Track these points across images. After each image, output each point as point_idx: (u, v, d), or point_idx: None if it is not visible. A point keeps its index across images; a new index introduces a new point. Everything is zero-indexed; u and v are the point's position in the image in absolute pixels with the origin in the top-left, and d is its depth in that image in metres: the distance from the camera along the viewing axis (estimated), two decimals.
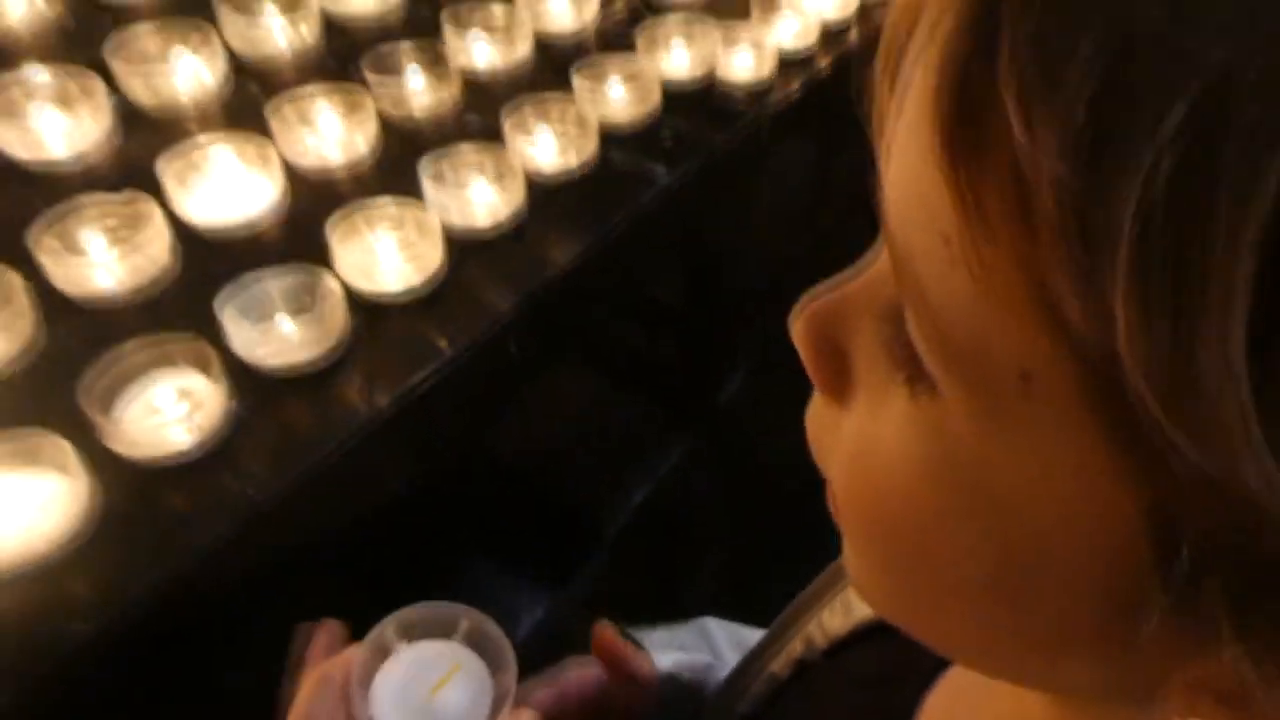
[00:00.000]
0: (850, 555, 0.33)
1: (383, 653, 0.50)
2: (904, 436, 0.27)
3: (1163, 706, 0.26)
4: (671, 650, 0.68)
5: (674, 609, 1.25)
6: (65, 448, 0.53)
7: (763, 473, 1.20)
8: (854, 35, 1.09)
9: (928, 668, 0.44)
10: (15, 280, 0.58)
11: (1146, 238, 0.18)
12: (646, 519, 1.01)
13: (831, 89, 1.06)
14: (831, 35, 1.06)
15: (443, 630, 0.51)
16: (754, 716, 0.58)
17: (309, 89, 0.74)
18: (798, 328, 0.32)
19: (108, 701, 0.56)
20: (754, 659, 0.60)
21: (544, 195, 0.78)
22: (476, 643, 0.51)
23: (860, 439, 0.30)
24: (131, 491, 0.56)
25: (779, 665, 0.57)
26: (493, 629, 0.51)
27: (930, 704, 0.44)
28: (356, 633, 0.53)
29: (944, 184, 0.22)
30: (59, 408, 0.56)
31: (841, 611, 0.54)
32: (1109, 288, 0.19)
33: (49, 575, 0.53)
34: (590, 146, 0.79)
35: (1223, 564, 0.21)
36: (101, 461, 0.55)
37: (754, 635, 0.71)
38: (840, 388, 0.31)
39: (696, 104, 0.91)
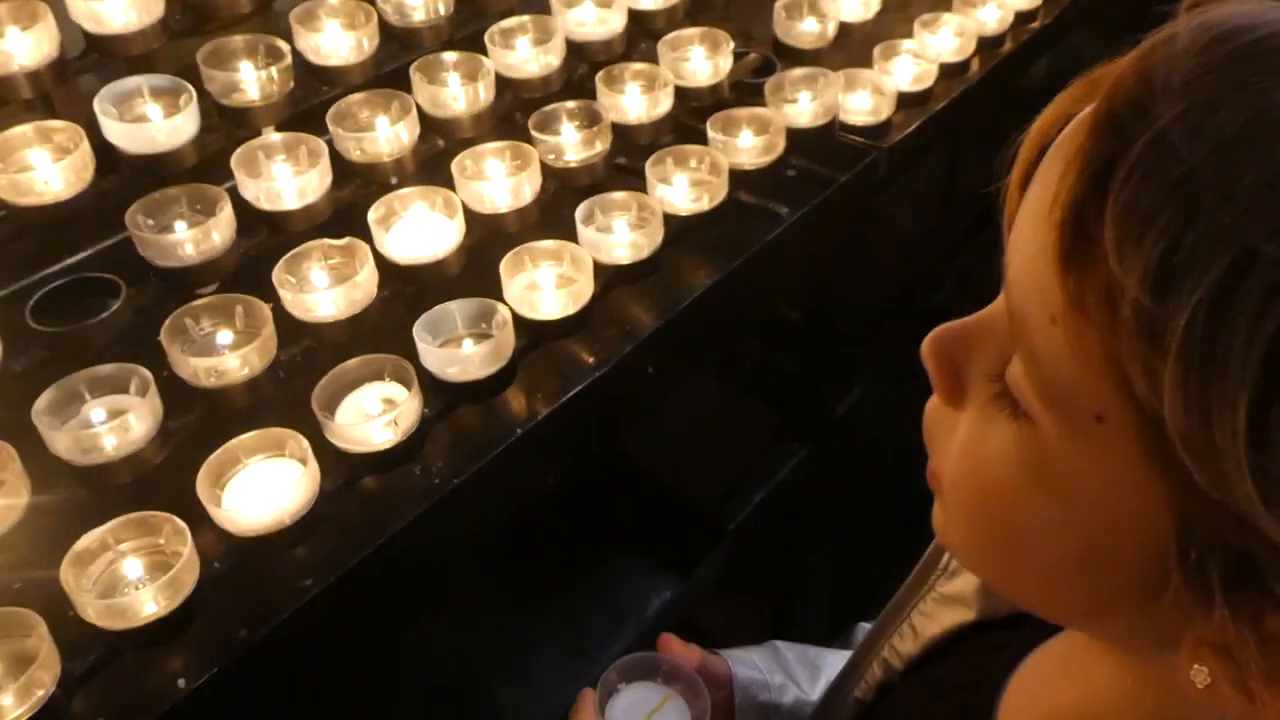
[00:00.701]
0: (944, 520, 0.42)
1: (609, 692, 0.73)
2: (1006, 445, 0.36)
3: (1174, 656, 0.35)
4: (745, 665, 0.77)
5: (785, 596, 1.35)
6: (304, 442, 0.68)
7: (874, 480, 1.30)
8: (972, 71, 1.17)
9: (998, 672, 0.53)
10: (265, 310, 0.73)
11: (1188, 346, 0.28)
12: (765, 517, 1.12)
13: (949, 125, 1.15)
14: (950, 71, 1.15)
15: (648, 673, 0.74)
16: None
17: (485, 146, 0.88)
18: (928, 343, 0.41)
19: (322, 648, 0.71)
20: (837, 690, 0.69)
21: (681, 233, 0.90)
22: (674, 680, 0.73)
23: (970, 440, 0.39)
24: (346, 478, 0.71)
25: (862, 691, 0.66)
26: (686, 670, 0.73)
27: (1006, 704, 0.52)
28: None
29: (1056, 280, 0.31)
30: (298, 411, 0.71)
31: (911, 635, 0.63)
32: (1161, 371, 0.29)
33: (287, 542, 0.68)
34: (721, 190, 0.91)
35: (1222, 553, 0.31)
36: (326, 453, 0.71)
37: (821, 655, 0.80)
38: (955, 397, 0.40)
39: (819, 144, 1.02)
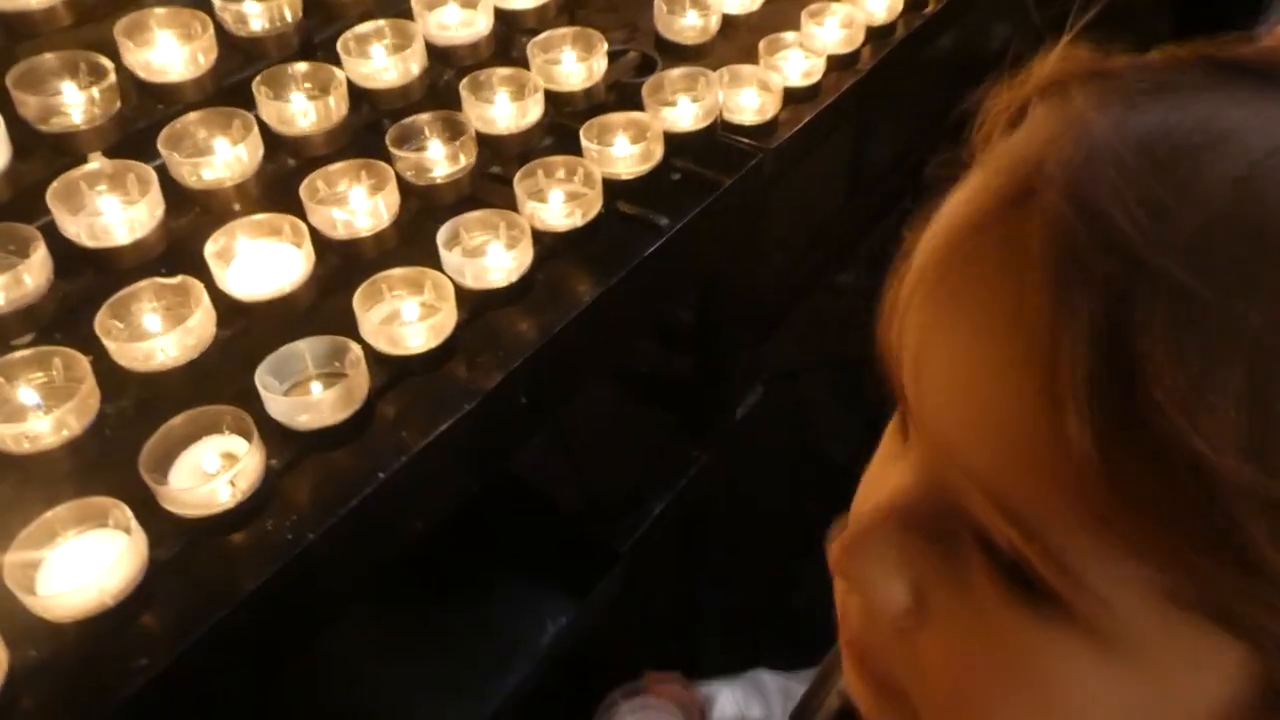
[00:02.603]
0: None
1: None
2: (1025, 648, 0.30)
3: None
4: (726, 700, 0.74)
5: (689, 618, 1.31)
6: (126, 511, 0.62)
7: (777, 485, 1.27)
8: (863, 61, 1.13)
9: None
10: (82, 361, 0.67)
11: None
12: (663, 530, 1.08)
13: (840, 119, 1.11)
14: (840, 63, 1.11)
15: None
16: None
17: (337, 166, 0.81)
18: (847, 563, 0.34)
19: None
20: (798, 717, 0.65)
21: (556, 250, 0.85)
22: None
23: (964, 655, 0.32)
24: (183, 544, 0.65)
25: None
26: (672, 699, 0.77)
27: None
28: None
29: (1094, 479, 0.26)
30: (122, 473, 0.65)
31: None
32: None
33: (117, 619, 0.62)
34: (596, 203, 0.86)
35: None
36: (158, 520, 0.64)
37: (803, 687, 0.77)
38: (910, 610, 0.33)
39: (703, 146, 0.97)
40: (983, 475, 0.30)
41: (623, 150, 0.90)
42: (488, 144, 0.89)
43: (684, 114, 0.95)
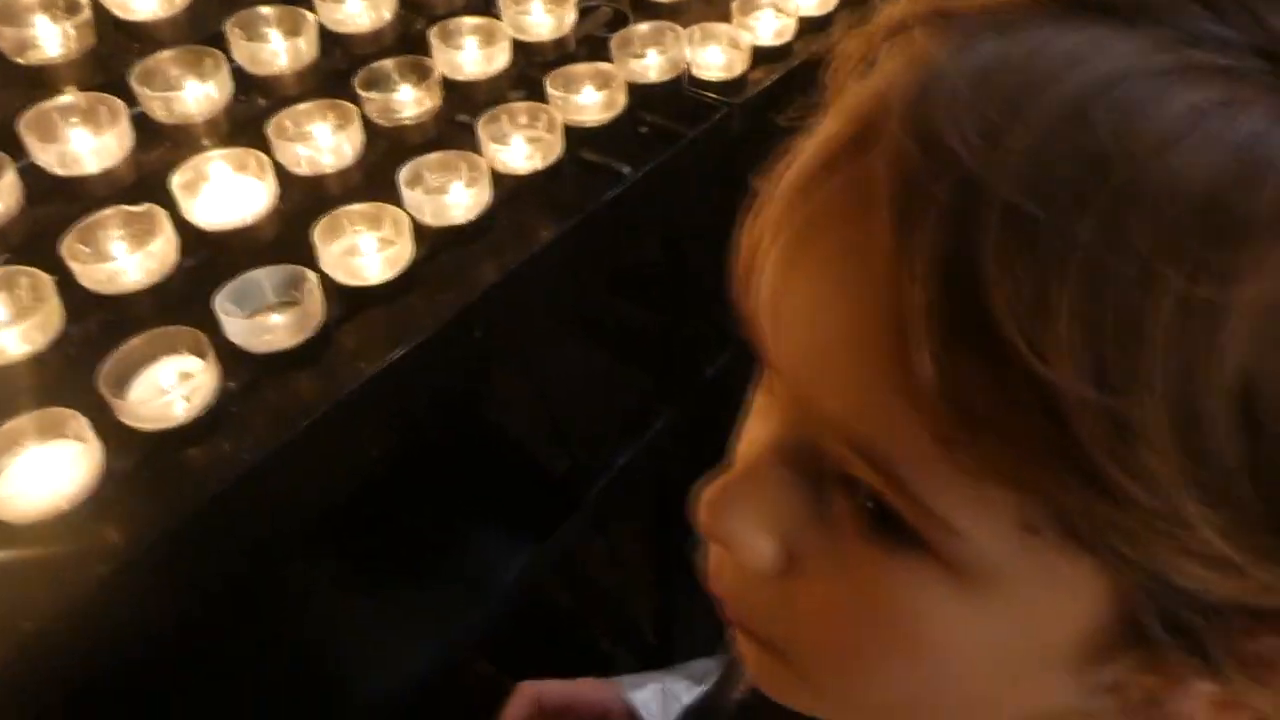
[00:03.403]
0: (809, 692, 0.36)
1: None
2: (896, 587, 0.31)
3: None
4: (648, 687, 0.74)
5: (650, 567, 1.34)
6: (84, 422, 0.65)
7: None
8: (834, 26, 1.15)
9: None
10: (47, 281, 0.69)
11: (1169, 424, 0.25)
12: (627, 483, 1.10)
13: (809, 80, 1.12)
14: (812, 25, 1.12)
15: None
16: None
17: (304, 105, 0.84)
18: (713, 520, 0.34)
19: (122, 637, 0.68)
20: (719, 690, 0.65)
21: (517, 193, 0.87)
22: None
23: (839, 602, 0.33)
24: (140, 457, 0.68)
25: (741, 691, 0.61)
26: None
27: None
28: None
29: (939, 406, 0.26)
30: (83, 389, 0.68)
31: None
32: (1133, 460, 0.25)
33: (74, 527, 0.64)
34: (557, 148, 0.88)
35: (1211, 613, 0.28)
36: (117, 433, 0.67)
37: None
38: (781, 562, 0.33)
39: (670, 100, 0.99)
40: (838, 415, 0.30)
41: (587, 99, 0.92)
42: (455, 90, 0.92)
43: (650, 66, 0.97)
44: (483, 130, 0.87)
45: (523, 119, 0.89)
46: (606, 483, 1.08)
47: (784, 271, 0.31)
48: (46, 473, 0.64)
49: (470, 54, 0.92)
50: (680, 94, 1.00)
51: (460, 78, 0.92)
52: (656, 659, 1.09)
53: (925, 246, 0.26)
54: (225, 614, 0.84)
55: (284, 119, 0.84)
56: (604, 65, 0.95)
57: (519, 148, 0.88)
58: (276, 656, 0.99)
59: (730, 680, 0.64)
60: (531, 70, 0.97)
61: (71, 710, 0.69)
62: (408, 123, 0.87)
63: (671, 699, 0.72)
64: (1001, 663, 0.32)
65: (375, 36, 0.92)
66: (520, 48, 0.95)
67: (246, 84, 0.86)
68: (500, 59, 0.92)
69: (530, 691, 0.73)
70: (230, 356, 0.72)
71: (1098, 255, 0.25)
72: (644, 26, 1.00)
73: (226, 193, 0.79)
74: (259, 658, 0.97)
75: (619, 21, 1.06)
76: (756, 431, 0.35)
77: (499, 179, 0.86)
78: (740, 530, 0.33)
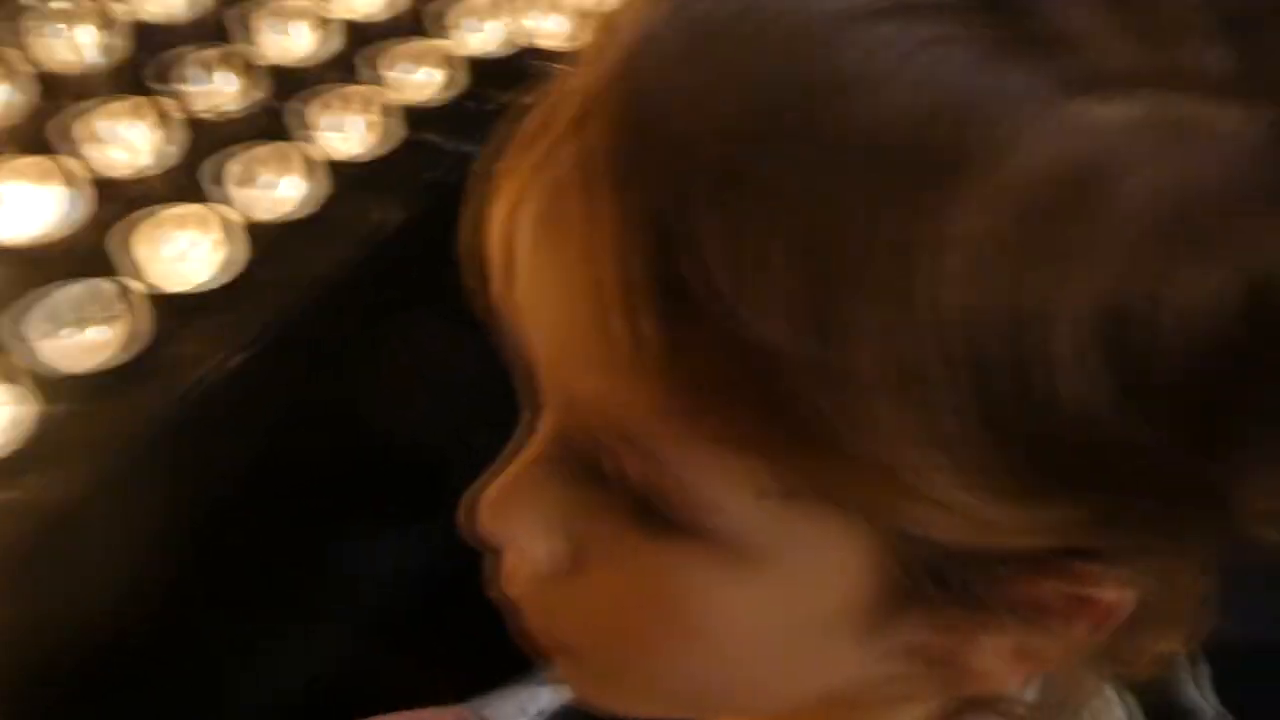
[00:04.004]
0: (597, 686, 0.37)
1: None
2: (664, 573, 0.31)
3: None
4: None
5: None
6: None
7: None
8: None
9: None
10: None
11: (882, 370, 0.25)
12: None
13: None
14: None
15: None
16: None
17: (103, 104, 0.78)
18: (488, 523, 0.33)
19: None
20: None
21: (355, 182, 0.83)
22: None
23: (614, 595, 0.33)
24: None
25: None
26: None
27: None
28: None
29: (660, 380, 0.26)
30: None
31: None
32: (854, 408, 0.25)
33: None
34: (397, 132, 0.84)
35: (971, 565, 0.28)
36: None
37: None
38: (558, 561, 0.33)
39: (512, 74, 0.96)
40: (587, 398, 0.30)
41: (425, 77, 0.88)
42: (281, 76, 0.86)
43: (489, 39, 0.94)
44: (314, 117, 0.82)
45: (356, 103, 0.84)
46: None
47: (531, 254, 0.30)
48: None
49: (297, 37, 0.87)
50: (524, 68, 0.97)
51: (286, 63, 0.87)
52: None
53: (640, 213, 0.26)
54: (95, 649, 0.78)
55: (91, 119, 0.77)
56: (440, 41, 0.91)
57: (355, 134, 0.84)
58: (147, 688, 0.93)
59: None
60: (363, 50, 0.92)
61: None
62: (231, 115, 0.82)
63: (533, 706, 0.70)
64: (784, 637, 0.32)
65: (191, 24, 0.86)
66: (350, 27, 0.90)
67: (50, 84, 0.80)
68: (330, 40, 0.88)
69: None
70: (48, 382, 0.67)
71: (806, 205, 0.24)
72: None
73: (30, 203, 0.73)
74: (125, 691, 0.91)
75: None
76: (532, 431, 0.34)
77: (335, 168, 0.82)
78: (522, 532, 0.33)
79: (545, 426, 0.33)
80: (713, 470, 0.28)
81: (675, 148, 0.26)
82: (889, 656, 0.33)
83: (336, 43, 0.88)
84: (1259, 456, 0.29)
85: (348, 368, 0.87)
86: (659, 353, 0.26)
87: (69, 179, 0.73)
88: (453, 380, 1.18)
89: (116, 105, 0.78)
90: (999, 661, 0.32)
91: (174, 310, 0.73)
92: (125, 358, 0.68)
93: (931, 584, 0.29)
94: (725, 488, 0.28)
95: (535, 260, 0.30)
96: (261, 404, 0.77)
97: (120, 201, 0.76)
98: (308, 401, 0.85)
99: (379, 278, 0.82)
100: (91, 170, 0.75)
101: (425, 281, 0.97)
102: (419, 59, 0.89)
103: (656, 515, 0.30)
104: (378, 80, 0.87)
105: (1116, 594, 0.30)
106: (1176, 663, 0.45)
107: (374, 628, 1.00)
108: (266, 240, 0.77)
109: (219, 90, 0.82)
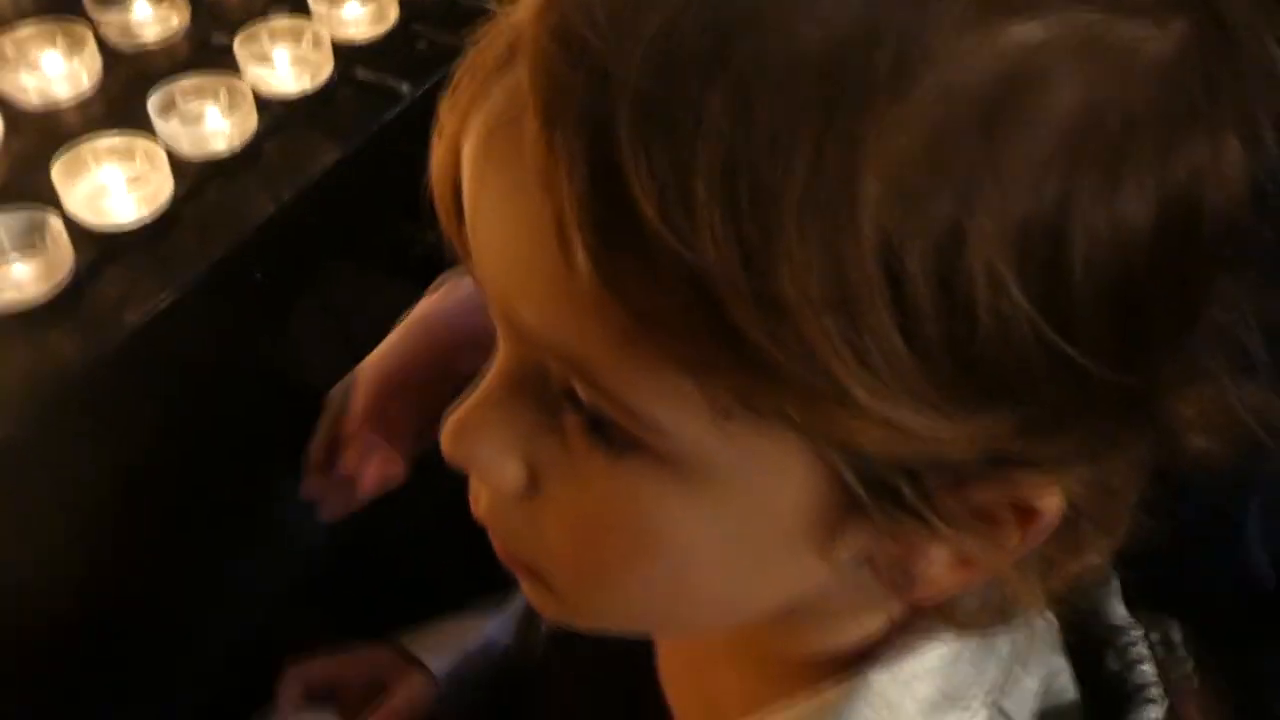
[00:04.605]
0: (569, 607, 0.37)
1: None
2: (623, 490, 0.31)
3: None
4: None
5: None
6: None
7: None
8: None
9: None
10: None
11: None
12: None
13: None
14: None
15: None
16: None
17: (27, 30, 0.74)
18: (455, 448, 0.34)
19: None
20: (527, 623, 0.65)
21: (286, 119, 0.81)
22: None
23: (579, 515, 0.33)
24: None
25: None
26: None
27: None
28: None
29: (610, 302, 0.27)
30: None
31: None
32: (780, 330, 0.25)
33: None
34: (326, 67, 0.82)
35: (904, 475, 0.29)
36: None
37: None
38: (524, 484, 0.34)
39: (447, 12, 0.94)
40: (534, 326, 0.30)
41: (353, 11, 0.86)
42: (206, 8, 0.84)
43: None
44: (241, 49, 0.80)
45: (285, 37, 0.82)
46: None
47: (474, 190, 0.31)
48: None
49: None
50: (456, 5, 0.95)
51: None
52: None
53: (569, 143, 0.26)
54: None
55: (3, 44, 0.74)
56: None
57: (284, 68, 0.81)
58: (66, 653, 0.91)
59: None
60: None
61: None
62: (152, 45, 0.79)
63: (473, 637, 0.71)
64: (740, 552, 0.33)
65: None
66: None
67: None
68: None
69: (295, 674, 0.70)
70: None
71: (728, 131, 0.25)
72: None
73: None
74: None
75: None
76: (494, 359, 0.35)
77: (264, 104, 0.80)
78: (485, 455, 0.34)
79: (502, 355, 0.33)
80: (657, 393, 0.28)
81: (596, 80, 0.26)
82: (848, 566, 0.34)
83: None
84: (1177, 366, 0.30)
85: (276, 312, 0.85)
86: (595, 282, 0.26)
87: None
88: (383, 325, 1.16)
89: (40, 29, 0.75)
90: (943, 569, 0.33)
91: (97, 247, 0.70)
92: (45, 294, 0.66)
93: (876, 495, 0.30)
94: (671, 409, 0.29)
95: (477, 195, 0.31)
96: (188, 348, 0.75)
97: (43, 132, 0.73)
98: (234, 346, 0.84)
99: (312, 219, 0.80)
100: (6, 97, 0.72)
101: (357, 224, 0.96)
102: None
103: (612, 438, 0.31)
104: (308, 15, 0.85)
105: (1049, 501, 0.31)
106: (1098, 579, 0.47)
107: (300, 579, 0.99)
108: (193, 177, 0.75)
109: (148, 20, 0.79)
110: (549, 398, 0.32)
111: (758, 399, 0.27)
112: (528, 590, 0.38)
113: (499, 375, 0.33)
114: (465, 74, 0.32)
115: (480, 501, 0.36)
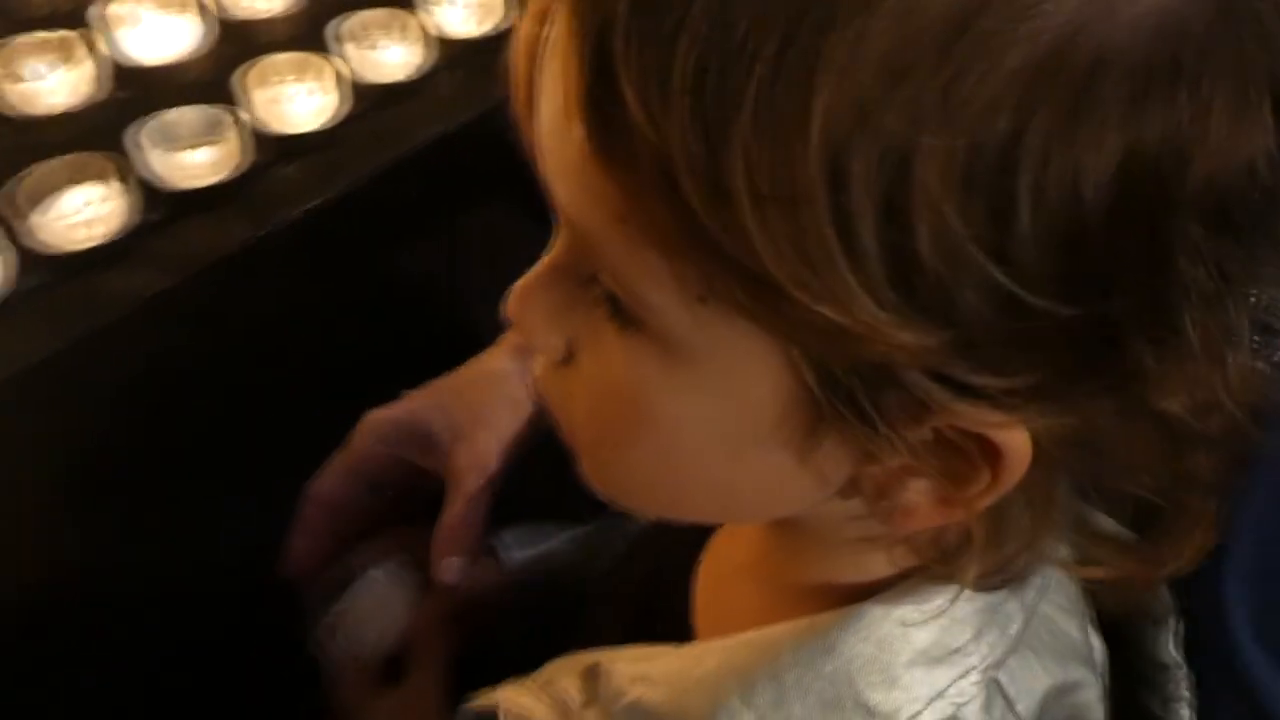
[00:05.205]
0: (595, 473, 0.40)
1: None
2: (629, 365, 0.35)
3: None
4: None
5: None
6: None
7: None
8: None
9: None
10: None
11: (752, 179, 0.27)
12: None
13: None
14: None
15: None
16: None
17: None
18: (513, 310, 0.38)
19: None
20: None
21: (461, 58, 0.86)
22: None
23: (595, 385, 0.37)
24: (49, 278, 0.67)
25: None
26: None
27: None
28: None
29: (607, 183, 0.30)
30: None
31: None
32: (743, 220, 0.27)
33: None
34: (497, 12, 0.87)
35: (860, 377, 0.31)
36: (24, 253, 0.66)
37: None
38: (563, 351, 0.38)
39: None
40: (561, 201, 0.33)
41: None
42: None
43: None
44: None
45: None
46: None
47: (538, 72, 0.34)
48: None
49: None
50: None
51: None
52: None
53: (580, 30, 0.29)
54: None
55: None
56: None
57: (458, 10, 0.87)
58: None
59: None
60: None
61: None
62: None
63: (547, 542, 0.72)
64: (719, 438, 0.35)
65: None
66: None
67: None
68: None
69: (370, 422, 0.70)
70: (148, 191, 0.71)
71: (704, 34, 0.27)
72: None
73: (158, 30, 0.78)
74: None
75: None
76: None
77: (444, 44, 0.85)
78: (530, 320, 0.38)
79: (559, 230, 0.37)
80: (644, 272, 0.31)
81: None
82: (830, 483, 0.36)
83: None
84: (1141, 314, 0.29)
85: (419, 241, 0.90)
86: (591, 159, 0.30)
87: (194, 11, 0.78)
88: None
89: None
90: (924, 499, 0.34)
91: (274, 147, 0.77)
92: (223, 178, 0.73)
93: (832, 396, 0.31)
94: (656, 288, 0.31)
95: (538, 76, 0.34)
96: (338, 251, 0.80)
97: (238, 41, 0.81)
98: (383, 257, 0.88)
99: (473, 152, 0.84)
100: (219, 6, 0.80)
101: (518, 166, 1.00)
102: None
103: (623, 314, 0.34)
104: None
105: (1012, 439, 0.32)
106: (1155, 617, 0.46)
107: None
108: (367, 99, 0.81)
109: None
110: (584, 274, 0.35)
111: (714, 284, 0.30)
112: (579, 464, 0.41)
113: (554, 250, 0.37)
114: None
115: (535, 373, 0.41)
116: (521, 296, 0.38)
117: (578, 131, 0.30)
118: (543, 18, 0.33)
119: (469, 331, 0.98)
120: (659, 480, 0.38)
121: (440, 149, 0.83)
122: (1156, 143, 0.27)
